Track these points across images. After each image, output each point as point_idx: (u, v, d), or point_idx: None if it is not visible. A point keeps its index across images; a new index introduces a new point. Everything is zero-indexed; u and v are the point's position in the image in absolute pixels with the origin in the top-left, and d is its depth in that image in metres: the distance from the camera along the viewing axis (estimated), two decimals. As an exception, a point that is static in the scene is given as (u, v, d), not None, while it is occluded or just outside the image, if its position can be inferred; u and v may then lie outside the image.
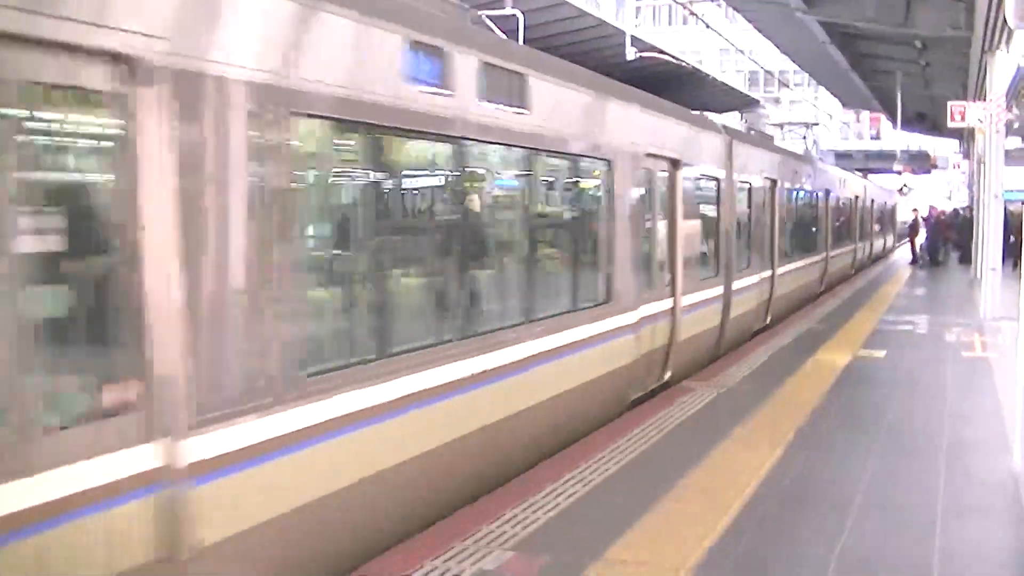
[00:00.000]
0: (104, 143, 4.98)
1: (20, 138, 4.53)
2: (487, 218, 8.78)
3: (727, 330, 15.79)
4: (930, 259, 37.68)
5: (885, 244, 46.90)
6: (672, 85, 27.66)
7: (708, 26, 29.42)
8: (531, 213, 9.49)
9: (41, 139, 4.81)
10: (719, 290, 15.37)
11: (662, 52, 27.68)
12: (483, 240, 8.78)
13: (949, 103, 20.86)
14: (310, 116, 6.08)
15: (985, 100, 20.36)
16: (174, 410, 5.01)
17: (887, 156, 64.30)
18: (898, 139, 56.39)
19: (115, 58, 4.74)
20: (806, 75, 47.75)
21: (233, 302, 5.47)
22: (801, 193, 23.48)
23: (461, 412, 7.70)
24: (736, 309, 16.25)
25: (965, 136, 41.63)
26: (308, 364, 6.01)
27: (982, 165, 23.46)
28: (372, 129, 6.78)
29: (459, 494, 7.69)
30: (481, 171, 8.59)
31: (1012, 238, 29.02)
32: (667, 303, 12.59)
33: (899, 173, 55.50)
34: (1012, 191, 27.67)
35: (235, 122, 5.47)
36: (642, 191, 11.86)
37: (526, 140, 8.99)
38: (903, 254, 44.00)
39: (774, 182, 19.70)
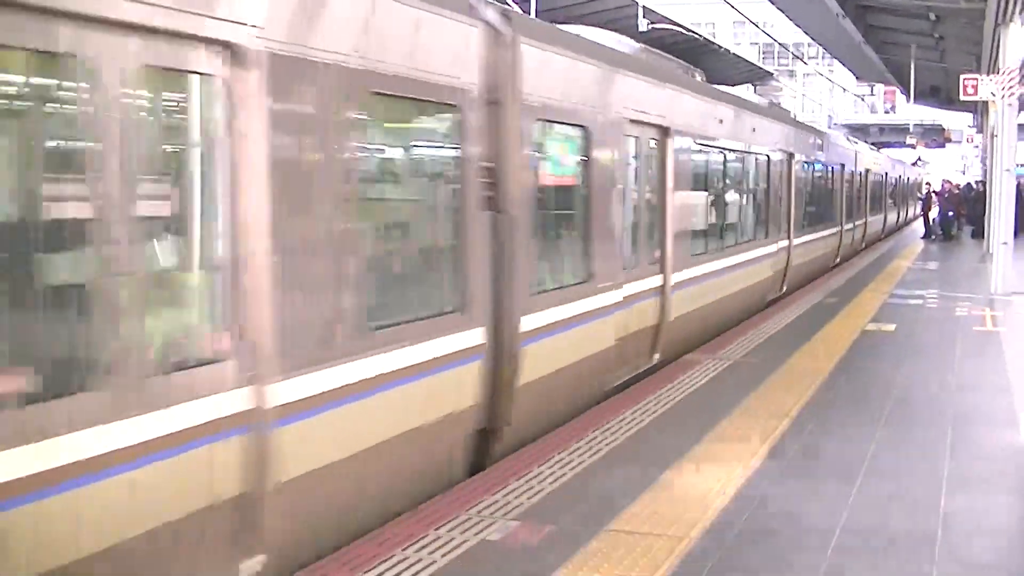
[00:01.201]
0: None
1: None
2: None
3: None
4: (943, 233, 37.56)
5: (912, 211, 54.87)
6: (685, 56, 27.52)
7: (721, -2, 29.24)
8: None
9: None
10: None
11: (675, 24, 27.54)
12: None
13: (962, 76, 20.75)
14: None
15: (998, 73, 20.25)
16: None
17: (901, 129, 63.98)
18: (912, 112, 56.15)
19: None
20: (820, 48, 47.54)
21: None
22: (881, 175, 38.80)
23: None
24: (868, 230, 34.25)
25: (979, 109, 41.42)
26: None
27: (995, 139, 23.34)
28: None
29: None
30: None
31: None
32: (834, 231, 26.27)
33: (913, 147, 55.32)
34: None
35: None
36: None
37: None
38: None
39: (868, 170, 33.38)
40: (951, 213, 38.07)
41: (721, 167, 15.76)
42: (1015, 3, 17.35)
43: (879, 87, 73.48)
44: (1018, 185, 21.25)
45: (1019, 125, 20.20)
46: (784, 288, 19.77)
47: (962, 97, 21.39)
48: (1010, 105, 19.40)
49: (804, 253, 21.53)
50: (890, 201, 42.79)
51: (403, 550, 5.99)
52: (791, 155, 20.29)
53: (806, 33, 37.29)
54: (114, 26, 4.53)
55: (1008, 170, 19.72)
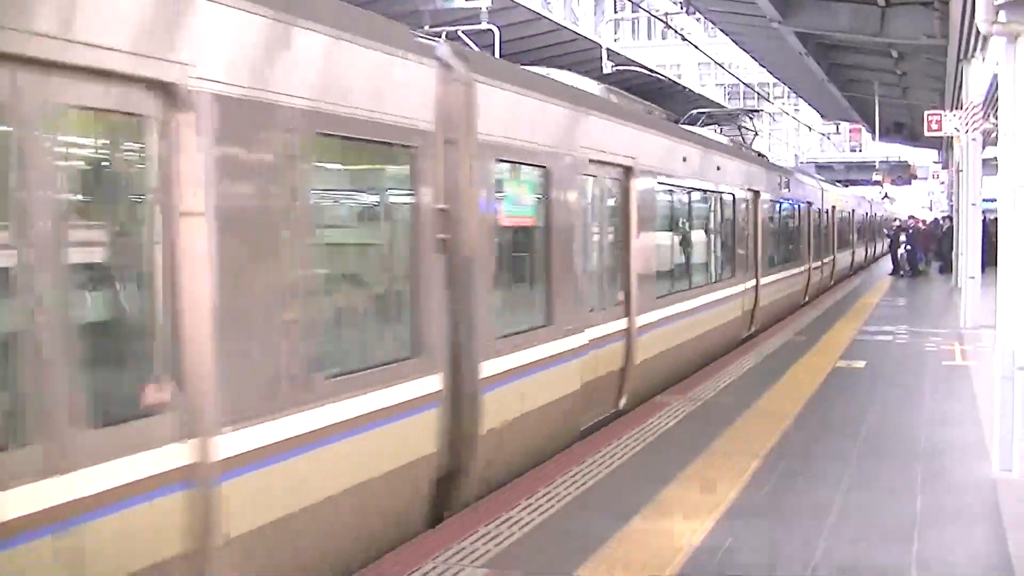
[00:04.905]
0: None
1: None
2: None
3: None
4: (910, 269, 37.73)
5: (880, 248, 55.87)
6: (649, 98, 27.74)
7: (684, 39, 29.43)
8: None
9: None
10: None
11: (639, 66, 27.71)
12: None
13: (925, 112, 20.88)
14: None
15: (961, 108, 20.38)
16: None
17: (867, 167, 64.46)
18: (878, 150, 56.59)
19: None
20: (785, 87, 47.93)
21: None
22: (848, 212, 39.61)
23: None
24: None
25: (944, 145, 41.79)
26: None
27: (960, 174, 23.50)
28: None
29: None
30: None
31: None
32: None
33: (879, 184, 55.74)
34: (991, 200, 28.00)
35: None
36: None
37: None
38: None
39: (834, 207, 33.76)
40: (914, 248, 38.27)
41: (686, 207, 15.33)
42: (976, 39, 17.48)
43: (844, 125, 74.02)
44: (984, 220, 21.23)
45: (984, 160, 20.29)
46: (752, 328, 19.46)
47: (926, 133, 21.55)
48: (974, 140, 19.51)
49: (772, 293, 21.29)
50: (858, 237, 43.35)
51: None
52: (757, 193, 20.06)
53: (770, 72, 37.59)
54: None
55: (974, 205, 19.78)
